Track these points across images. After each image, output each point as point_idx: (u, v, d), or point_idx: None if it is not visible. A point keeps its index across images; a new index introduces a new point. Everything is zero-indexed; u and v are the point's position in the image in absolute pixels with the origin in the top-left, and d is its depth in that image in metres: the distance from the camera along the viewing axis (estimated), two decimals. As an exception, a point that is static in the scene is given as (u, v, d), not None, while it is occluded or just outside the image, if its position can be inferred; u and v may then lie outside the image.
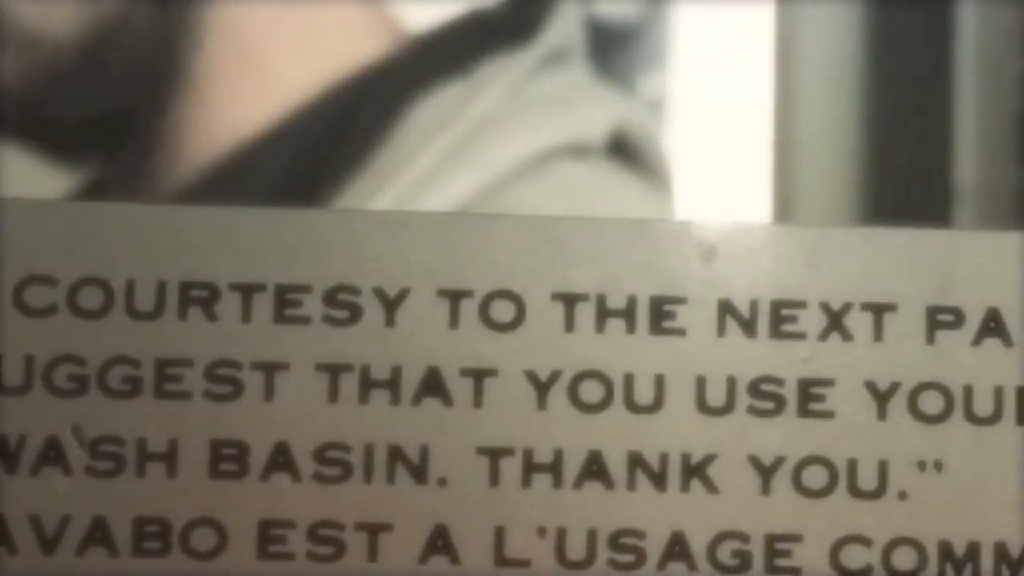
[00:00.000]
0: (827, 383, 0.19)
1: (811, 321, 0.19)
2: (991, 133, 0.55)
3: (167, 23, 0.53)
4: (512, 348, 0.19)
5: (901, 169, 0.58)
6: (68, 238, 0.18)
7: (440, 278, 0.19)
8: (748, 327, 0.19)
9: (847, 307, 0.19)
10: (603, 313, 0.19)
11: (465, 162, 0.49)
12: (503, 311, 0.19)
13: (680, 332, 0.19)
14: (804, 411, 0.19)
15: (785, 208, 0.60)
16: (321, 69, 0.54)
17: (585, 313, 0.19)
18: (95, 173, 0.58)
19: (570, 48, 0.54)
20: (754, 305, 0.19)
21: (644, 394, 0.19)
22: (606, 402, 0.19)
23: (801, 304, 0.19)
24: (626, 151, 0.53)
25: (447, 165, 0.49)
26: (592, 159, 0.51)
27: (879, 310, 0.19)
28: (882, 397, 0.19)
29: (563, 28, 0.54)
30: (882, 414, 0.19)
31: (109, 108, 0.55)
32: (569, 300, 0.19)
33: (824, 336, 0.19)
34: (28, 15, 0.53)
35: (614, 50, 0.60)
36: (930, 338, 0.19)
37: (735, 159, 0.61)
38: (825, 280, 0.19)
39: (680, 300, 0.19)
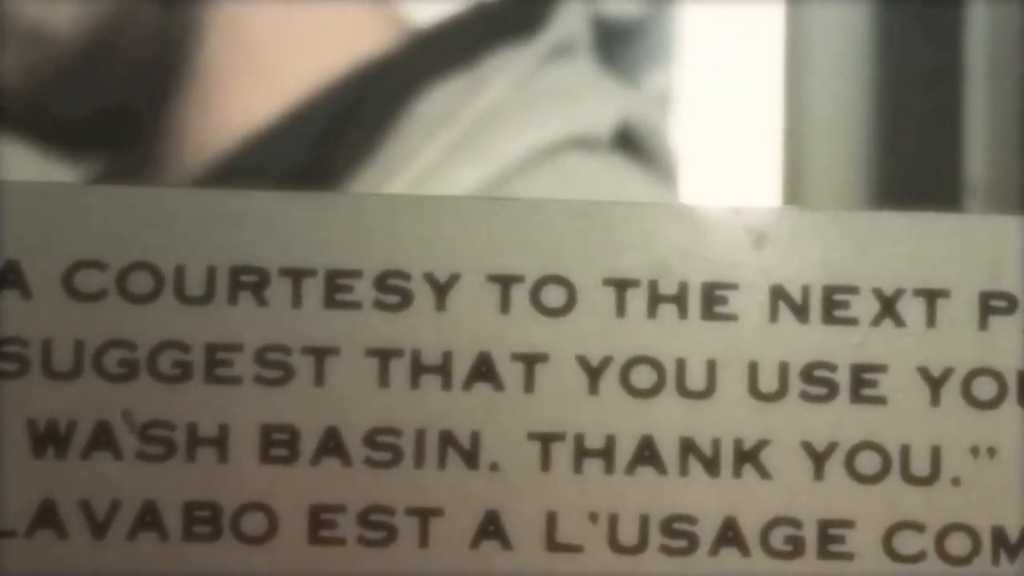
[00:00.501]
0: (880, 369, 0.19)
1: (863, 307, 0.19)
2: (1000, 128, 0.55)
3: (170, 19, 0.53)
4: (563, 333, 0.19)
5: (911, 165, 0.58)
6: (117, 223, 0.18)
7: (491, 263, 0.19)
8: (800, 313, 0.19)
9: (899, 293, 0.19)
10: (655, 299, 0.19)
11: (470, 156, 0.49)
12: (554, 296, 0.19)
13: (732, 318, 0.19)
14: (857, 397, 0.19)
15: (793, 203, 0.60)
16: (325, 63, 0.54)
17: (636, 298, 0.19)
18: (99, 170, 0.57)
19: (576, 41, 0.54)
20: (806, 291, 0.19)
21: (696, 380, 0.19)
22: (658, 387, 0.19)
23: (853, 290, 0.19)
24: (632, 144, 0.52)
25: (452, 159, 0.48)
26: (598, 152, 0.51)
27: (931, 296, 0.19)
28: (935, 383, 0.19)
29: (568, 21, 0.53)
30: (935, 400, 0.19)
31: (113, 105, 0.55)
32: (620, 285, 0.19)
33: (877, 322, 0.19)
34: (32, 12, 0.52)
35: (620, 46, 0.60)
36: (983, 324, 0.19)
37: (743, 156, 0.61)
38: (877, 266, 0.19)
39: (732, 286, 0.19)
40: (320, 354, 0.18)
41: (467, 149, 0.50)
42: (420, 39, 0.56)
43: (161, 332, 0.18)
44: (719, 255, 0.19)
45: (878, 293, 0.19)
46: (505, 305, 0.19)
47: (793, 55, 0.59)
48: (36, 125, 0.56)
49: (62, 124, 0.57)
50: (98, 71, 0.55)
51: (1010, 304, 0.19)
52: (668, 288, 0.19)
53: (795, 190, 0.60)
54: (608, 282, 0.19)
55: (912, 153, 0.58)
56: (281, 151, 0.53)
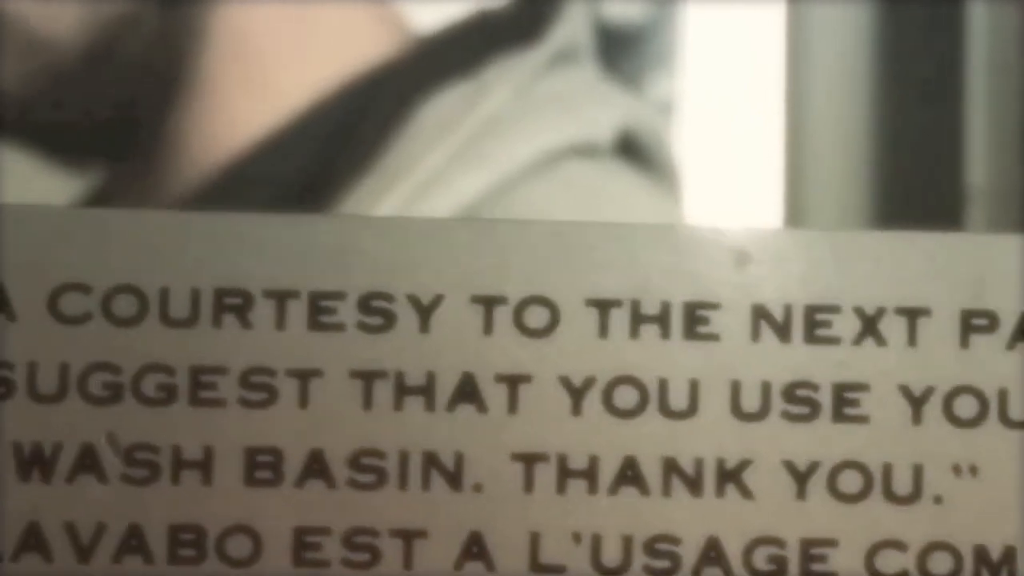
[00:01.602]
0: (862, 388, 0.19)
1: (845, 326, 0.19)
2: (1001, 136, 0.54)
3: (172, 26, 0.53)
4: (546, 354, 0.19)
5: (912, 171, 0.58)
6: (102, 246, 0.18)
7: (474, 284, 0.19)
8: (782, 332, 0.19)
9: (881, 312, 0.19)
10: (637, 319, 0.19)
11: (473, 162, 0.49)
12: (537, 317, 0.19)
13: (714, 337, 0.19)
14: (839, 416, 0.19)
15: (796, 209, 0.60)
16: (328, 71, 0.54)
17: (619, 319, 0.19)
18: (100, 178, 0.57)
19: (578, 48, 0.54)
20: (788, 310, 0.19)
21: (679, 399, 0.19)
22: (640, 407, 0.19)
23: (835, 309, 0.19)
24: (634, 151, 0.52)
25: (455, 165, 0.48)
26: (600, 159, 0.51)
27: (913, 314, 0.19)
28: (917, 401, 0.19)
29: (571, 28, 0.53)
30: (917, 418, 0.19)
31: (113, 113, 0.55)
32: (603, 306, 0.19)
33: (858, 341, 0.19)
34: (33, 19, 0.53)
35: (623, 52, 0.60)
36: (964, 342, 0.19)
37: (745, 160, 0.61)
38: (859, 285, 0.19)
39: (714, 305, 0.19)
40: (304, 376, 0.19)
41: (469, 156, 0.50)
42: (423, 46, 0.56)
43: (146, 355, 0.18)
44: (701, 274, 0.19)
45: (860, 312, 0.19)
46: (488, 326, 0.19)
47: (795, 61, 0.59)
48: (36, 133, 0.56)
49: (62, 132, 0.57)
50: (98, 79, 0.55)
51: (991, 322, 0.19)
52: (650, 308, 0.19)
53: (797, 196, 0.60)
54: (591, 302, 0.19)
55: (913, 160, 0.58)
56: (283, 159, 0.53)
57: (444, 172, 0.50)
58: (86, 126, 0.56)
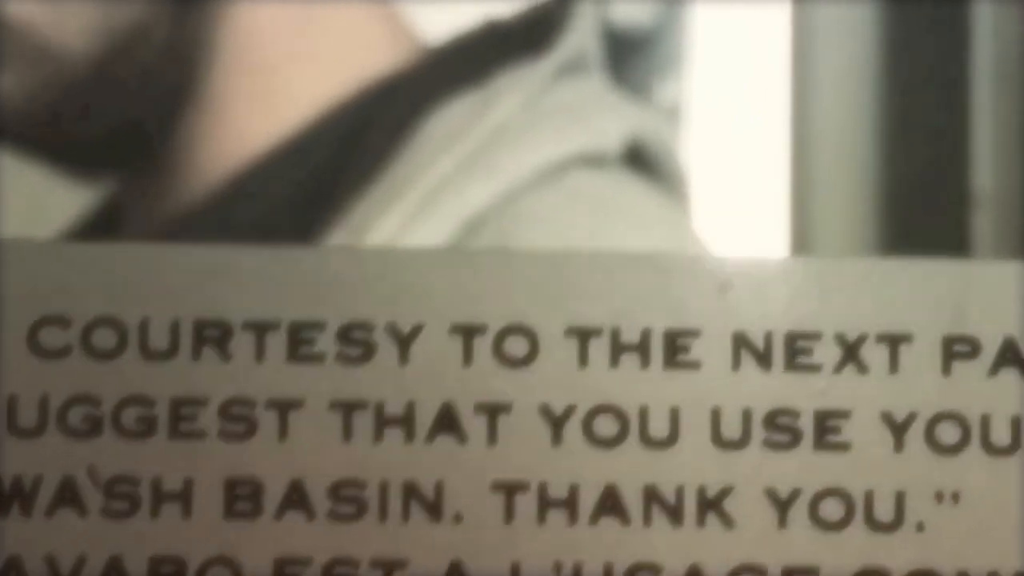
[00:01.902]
0: (843, 415, 0.19)
1: (826, 353, 0.19)
2: (1007, 141, 0.54)
3: (181, 37, 0.53)
4: (526, 383, 0.19)
5: (917, 174, 0.58)
6: (81, 279, 0.18)
7: (453, 314, 0.19)
8: (763, 360, 0.19)
9: (862, 338, 0.19)
10: (617, 347, 0.19)
11: (480, 171, 0.49)
12: (517, 346, 0.19)
13: (695, 365, 0.19)
14: (820, 443, 0.19)
15: (802, 212, 0.60)
16: (336, 81, 0.54)
17: (599, 347, 0.19)
18: (109, 188, 0.58)
19: (587, 58, 0.54)
20: (769, 337, 0.19)
21: (659, 428, 0.19)
22: (621, 436, 0.19)
23: (816, 336, 0.19)
24: (642, 161, 0.52)
25: (462, 174, 0.48)
26: (608, 169, 0.51)
27: (894, 341, 0.19)
28: (898, 428, 0.19)
29: (579, 38, 0.53)
30: (899, 445, 0.19)
31: (123, 123, 0.55)
32: (583, 334, 0.19)
33: (839, 368, 0.19)
34: (44, 28, 0.53)
35: (630, 57, 0.60)
36: (946, 369, 0.19)
37: (751, 164, 0.61)
38: (840, 312, 0.19)
39: (694, 333, 0.19)
40: (284, 408, 0.19)
41: (477, 165, 0.50)
42: (431, 57, 0.56)
43: (125, 387, 0.18)
44: (682, 302, 0.19)
45: (841, 339, 0.19)
46: (468, 356, 0.19)
47: (800, 65, 0.59)
48: (46, 144, 0.56)
49: (72, 143, 0.57)
50: (108, 90, 0.55)
51: (973, 348, 0.18)
52: (630, 336, 0.19)
53: (802, 201, 0.59)
54: (571, 331, 0.19)
55: (918, 163, 0.58)
56: (293, 168, 0.53)
57: (452, 181, 0.50)
58: (95, 136, 0.56)
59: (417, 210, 0.49)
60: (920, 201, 0.56)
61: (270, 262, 0.19)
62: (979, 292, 0.18)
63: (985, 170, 0.54)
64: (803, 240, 0.60)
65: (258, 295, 0.18)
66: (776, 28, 0.58)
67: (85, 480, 0.18)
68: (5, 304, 0.18)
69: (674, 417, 0.18)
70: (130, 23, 0.54)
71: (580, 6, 0.56)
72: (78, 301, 0.18)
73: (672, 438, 0.18)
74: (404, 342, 0.18)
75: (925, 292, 0.18)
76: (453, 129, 0.51)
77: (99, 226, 0.59)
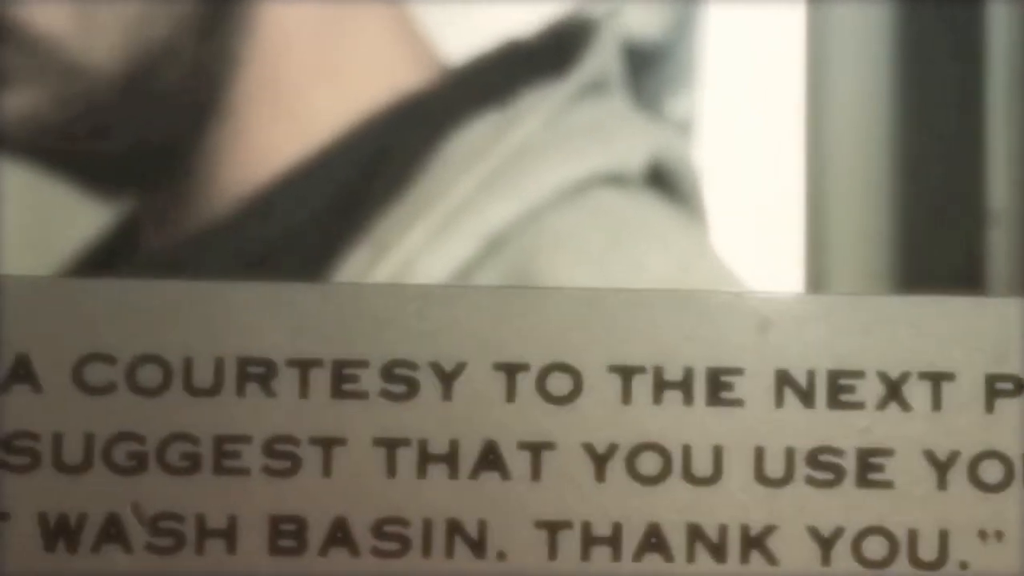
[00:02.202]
0: (886, 453, 0.19)
1: (869, 391, 0.19)
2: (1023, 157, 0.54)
3: (207, 55, 0.53)
4: (569, 421, 0.19)
5: (933, 191, 0.58)
6: (126, 315, 0.19)
7: (496, 351, 0.19)
8: (806, 397, 0.19)
9: (905, 376, 0.19)
10: (660, 385, 0.19)
11: (502, 191, 0.49)
12: (560, 384, 0.19)
13: (738, 403, 0.19)
14: (863, 481, 0.19)
15: (816, 228, 0.60)
16: (360, 99, 0.54)
17: (642, 385, 0.19)
18: (132, 205, 0.58)
19: (608, 77, 0.54)
20: (811, 375, 0.19)
21: (702, 466, 0.19)
22: (664, 474, 0.19)
23: (859, 374, 0.19)
24: (663, 181, 0.52)
25: (484, 194, 0.49)
26: (630, 188, 0.51)
27: (937, 379, 0.19)
28: (942, 467, 0.19)
29: (601, 57, 0.53)
30: (942, 484, 0.19)
31: (145, 139, 0.55)
32: (626, 372, 0.19)
33: (882, 406, 0.19)
34: (72, 46, 0.53)
35: (640, 70, 0.60)
36: (989, 406, 0.19)
37: (765, 177, 0.60)
38: (882, 349, 0.19)
39: (737, 371, 0.19)
40: (327, 444, 0.19)
41: (499, 185, 0.50)
42: (453, 76, 0.56)
43: (170, 424, 0.19)
44: (724, 340, 0.19)
45: (883, 376, 0.19)
46: (511, 393, 0.19)
47: (814, 78, 0.59)
48: (67, 160, 0.56)
49: (94, 159, 0.57)
50: (132, 107, 0.55)
51: (1016, 386, 0.18)
52: (673, 374, 0.19)
53: (818, 214, 0.59)
54: (613, 369, 0.19)
55: (934, 180, 0.58)
56: (315, 187, 0.53)
57: (474, 200, 0.50)
58: (118, 153, 0.56)
59: (439, 229, 0.49)
60: (936, 218, 0.55)
61: (313, 299, 0.19)
62: (1022, 329, 0.18)
63: (1000, 189, 0.54)
64: (818, 254, 0.60)
65: (301, 332, 0.18)
66: (790, 44, 0.58)
67: (130, 517, 0.18)
68: (50, 341, 0.18)
69: (717, 455, 0.18)
70: (157, 41, 0.54)
71: (601, 25, 0.56)
72: (123, 338, 0.18)
73: (715, 476, 0.18)
74: (447, 379, 0.18)
75: (967, 329, 0.18)
76: (475, 148, 0.51)
77: (118, 243, 0.59)
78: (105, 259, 0.58)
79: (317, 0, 0.53)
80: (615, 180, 0.52)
